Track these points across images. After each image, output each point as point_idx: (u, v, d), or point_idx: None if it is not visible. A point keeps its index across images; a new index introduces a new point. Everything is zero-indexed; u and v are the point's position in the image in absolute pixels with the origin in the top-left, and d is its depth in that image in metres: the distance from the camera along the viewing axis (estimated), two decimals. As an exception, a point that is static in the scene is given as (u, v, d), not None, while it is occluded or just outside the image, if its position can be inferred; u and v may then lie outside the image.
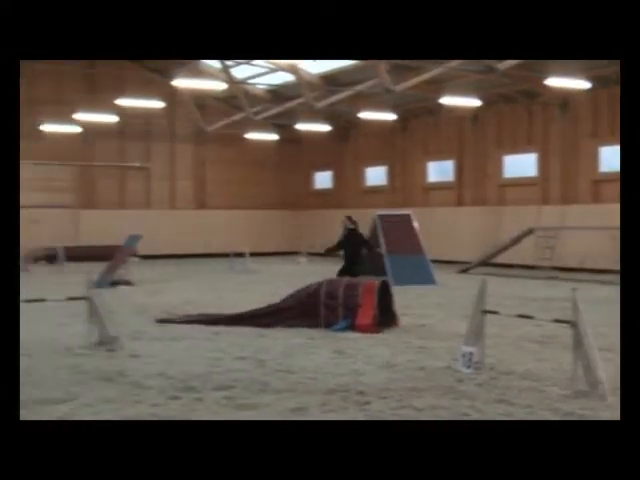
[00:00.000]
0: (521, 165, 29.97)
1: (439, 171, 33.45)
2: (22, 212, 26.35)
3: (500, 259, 26.65)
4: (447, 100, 25.45)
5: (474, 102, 26.25)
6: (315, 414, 7.50)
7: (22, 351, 10.85)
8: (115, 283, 21.11)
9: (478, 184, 31.46)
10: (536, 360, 10.29)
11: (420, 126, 33.78)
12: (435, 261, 24.26)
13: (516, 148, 30.03)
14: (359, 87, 27.90)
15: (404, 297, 17.27)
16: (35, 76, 33.81)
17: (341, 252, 18.70)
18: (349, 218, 18.71)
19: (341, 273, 17.76)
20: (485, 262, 26.61)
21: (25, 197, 33.22)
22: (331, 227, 36.39)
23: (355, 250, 18.22)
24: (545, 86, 23.22)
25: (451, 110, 29.07)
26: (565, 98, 27.21)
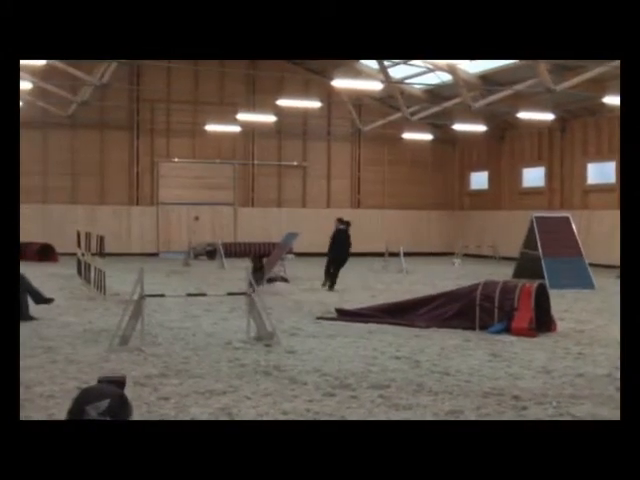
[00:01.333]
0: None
1: (599, 173, 32.37)
2: (186, 209, 27.34)
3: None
4: (611, 100, 24.65)
5: (639, 101, 25.35)
6: (470, 417, 7.48)
7: (188, 345, 11.34)
8: (272, 280, 21.50)
9: (642, 186, 30.33)
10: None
11: (580, 126, 32.83)
12: (594, 265, 23.61)
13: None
14: (518, 87, 27.43)
15: (561, 301, 16.93)
16: (200, 78, 35.03)
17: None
18: (340, 220, 21.31)
19: (337, 263, 20.70)
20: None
21: (188, 194, 34.79)
22: (488, 228, 36.03)
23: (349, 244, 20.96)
24: None
25: (613, 110, 28.13)
26: None
